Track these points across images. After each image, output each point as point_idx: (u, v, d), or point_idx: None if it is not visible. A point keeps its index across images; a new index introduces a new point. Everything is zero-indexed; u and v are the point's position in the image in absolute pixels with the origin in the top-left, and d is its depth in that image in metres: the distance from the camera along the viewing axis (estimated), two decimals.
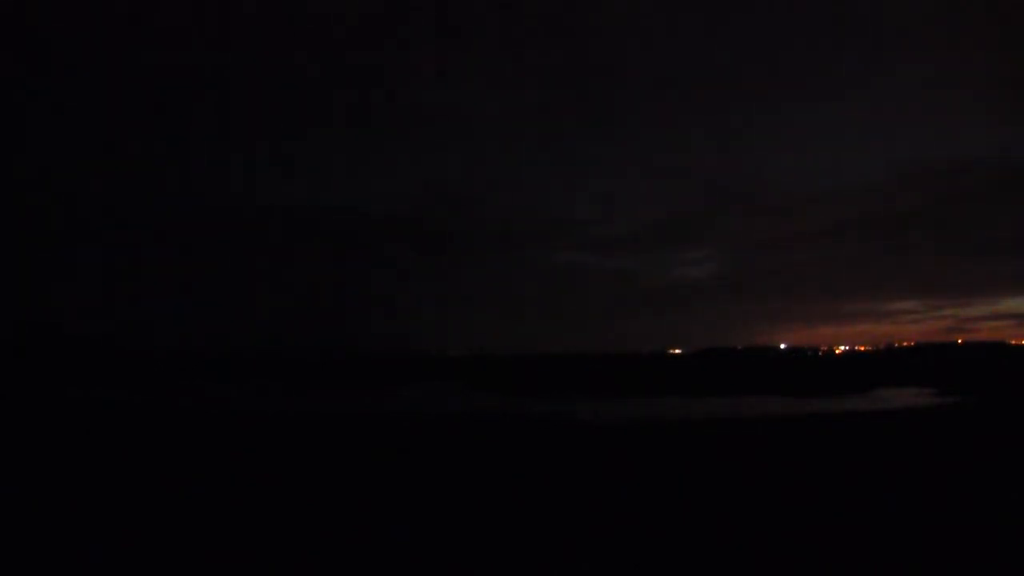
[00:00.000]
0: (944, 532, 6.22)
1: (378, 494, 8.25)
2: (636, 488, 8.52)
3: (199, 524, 6.76)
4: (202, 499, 7.94)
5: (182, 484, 8.84)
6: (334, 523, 6.80)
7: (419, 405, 27.34)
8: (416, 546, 5.98)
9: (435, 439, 14.34)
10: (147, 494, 8.20)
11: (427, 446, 13.10)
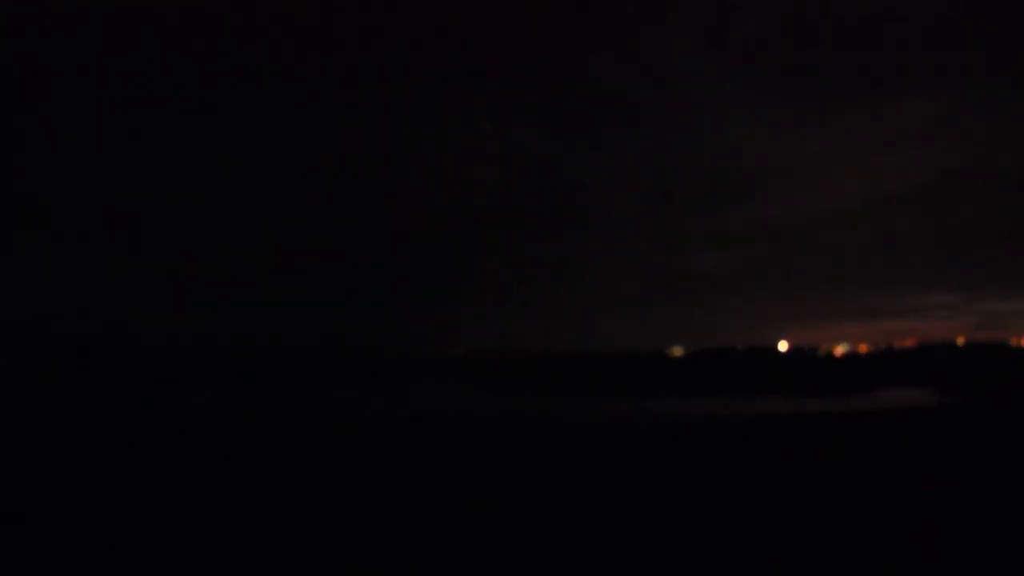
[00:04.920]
0: (944, 532, 6.15)
1: (379, 494, 8.18)
2: (637, 488, 8.46)
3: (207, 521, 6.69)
4: (198, 497, 7.87)
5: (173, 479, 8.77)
6: (335, 523, 6.73)
7: (418, 405, 27.27)
8: (417, 546, 5.91)
9: (434, 439, 14.27)
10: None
11: (426, 446, 13.04)
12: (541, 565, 5.45)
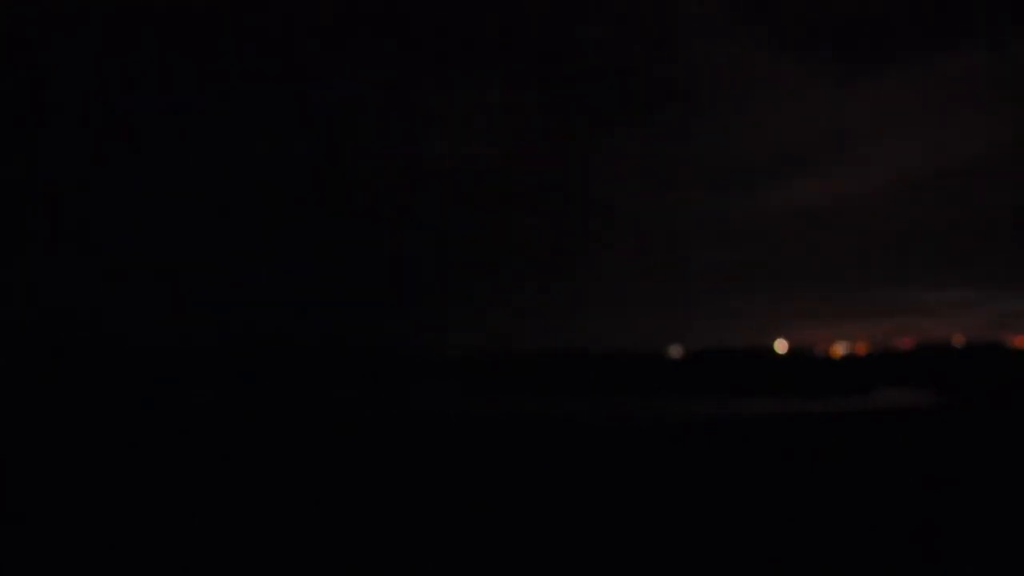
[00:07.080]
0: (943, 532, 6.17)
1: (378, 495, 8.20)
2: (636, 488, 8.47)
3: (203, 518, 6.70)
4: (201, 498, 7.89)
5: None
6: (335, 523, 6.74)
7: (417, 405, 27.28)
8: (417, 546, 5.92)
9: (434, 439, 14.28)
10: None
11: (426, 446, 13.05)
12: (541, 565, 5.47)
